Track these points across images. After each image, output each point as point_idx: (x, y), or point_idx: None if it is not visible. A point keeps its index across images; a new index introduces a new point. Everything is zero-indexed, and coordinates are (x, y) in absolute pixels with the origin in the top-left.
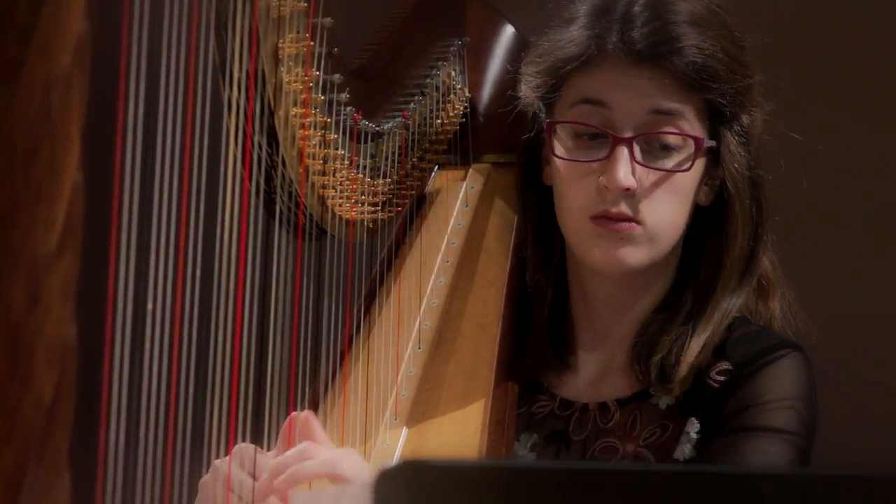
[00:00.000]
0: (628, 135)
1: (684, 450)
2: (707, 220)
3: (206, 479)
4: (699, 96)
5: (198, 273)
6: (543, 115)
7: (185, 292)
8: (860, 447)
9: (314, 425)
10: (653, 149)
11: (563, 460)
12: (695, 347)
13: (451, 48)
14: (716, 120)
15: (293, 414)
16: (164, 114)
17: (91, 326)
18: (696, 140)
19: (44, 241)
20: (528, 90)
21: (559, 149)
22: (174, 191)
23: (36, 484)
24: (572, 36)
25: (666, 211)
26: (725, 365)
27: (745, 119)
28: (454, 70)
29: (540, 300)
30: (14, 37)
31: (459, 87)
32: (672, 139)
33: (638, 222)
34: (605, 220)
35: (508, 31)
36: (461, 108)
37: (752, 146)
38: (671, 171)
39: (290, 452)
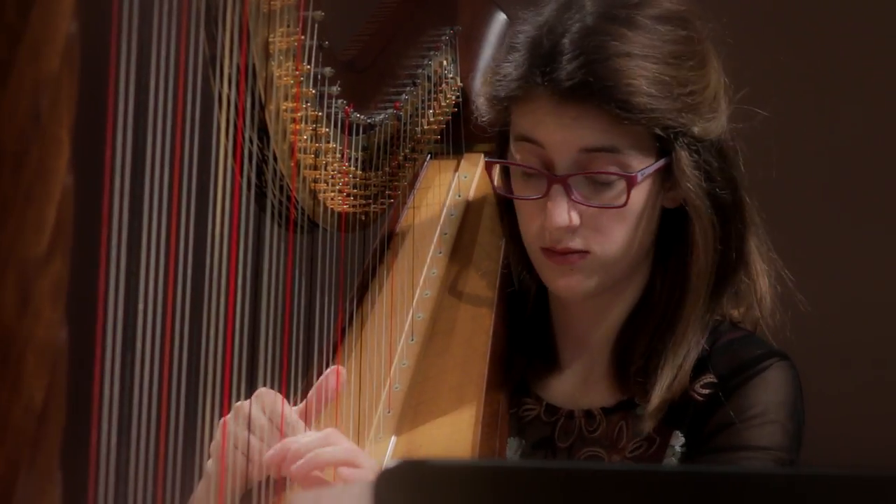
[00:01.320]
0: (563, 174)
1: (670, 464)
2: (678, 219)
3: (228, 417)
4: (634, 128)
5: (189, 268)
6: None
7: (176, 288)
8: (860, 447)
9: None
10: (592, 183)
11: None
12: (668, 376)
13: (443, 37)
14: (662, 140)
15: (333, 368)
16: (155, 109)
17: (82, 329)
18: (628, 178)
19: (34, 244)
20: (482, 109)
21: (500, 184)
22: (165, 186)
23: (28, 488)
24: (507, 71)
25: (615, 238)
26: (710, 377)
27: (695, 130)
28: (446, 59)
29: (525, 302)
30: (3, 39)
31: (451, 76)
32: (605, 176)
33: (587, 252)
34: (552, 253)
35: (500, 18)
36: (453, 97)
37: (715, 149)
38: (608, 207)
39: (312, 437)
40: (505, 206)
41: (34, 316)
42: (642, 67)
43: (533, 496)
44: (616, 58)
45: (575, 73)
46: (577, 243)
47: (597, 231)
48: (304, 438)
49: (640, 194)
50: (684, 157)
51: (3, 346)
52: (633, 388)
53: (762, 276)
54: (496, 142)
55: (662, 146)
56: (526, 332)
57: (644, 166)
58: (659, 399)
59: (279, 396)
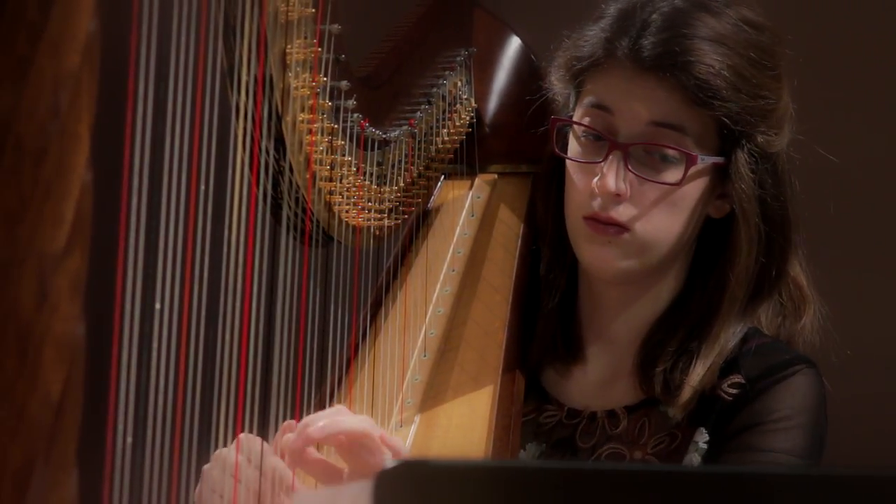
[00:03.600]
0: (625, 142)
1: (692, 459)
2: (721, 234)
3: (208, 466)
4: (703, 112)
5: (205, 277)
6: (572, 107)
7: (192, 296)
8: (879, 457)
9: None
10: (652, 159)
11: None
12: (699, 371)
13: (458, 58)
14: (725, 137)
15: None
16: (173, 117)
17: (99, 325)
18: (689, 157)
19: (52, 239)
20: (554, 80)
21: (565, 146)
22: (182, 194)
23: (43, 481)
24: (590, 36)
25: (658, 221)
26: (738, 378)
27: (759, 139)
28: (460, 80)
29: (552, 289)
30: (24, 36)
31: (466, 97)
32: (668, 152)
33: (627, 229)
34: (595, 221)
35: (515, 42)
36: (467, 118)
37: (773, 165)
38: (661, 184)
39: (322, 412)
40: (552, 178)
41: (52, 310)
42: (725, 56)
43: (535, 496)
44: (702, 40)
45: (659, 45)
46: (620, 214)
47: (643, 209)
48: (312, 416)
49: (692, 185)
50: (742, 158)
51: (21, 339)
52: (658, 385)
53: (810, 304)
54: (513, 161)
55: (724, 146)
56: (549, 322)
57: (705, 155)
58: (691, 390)
59: (259, 440)
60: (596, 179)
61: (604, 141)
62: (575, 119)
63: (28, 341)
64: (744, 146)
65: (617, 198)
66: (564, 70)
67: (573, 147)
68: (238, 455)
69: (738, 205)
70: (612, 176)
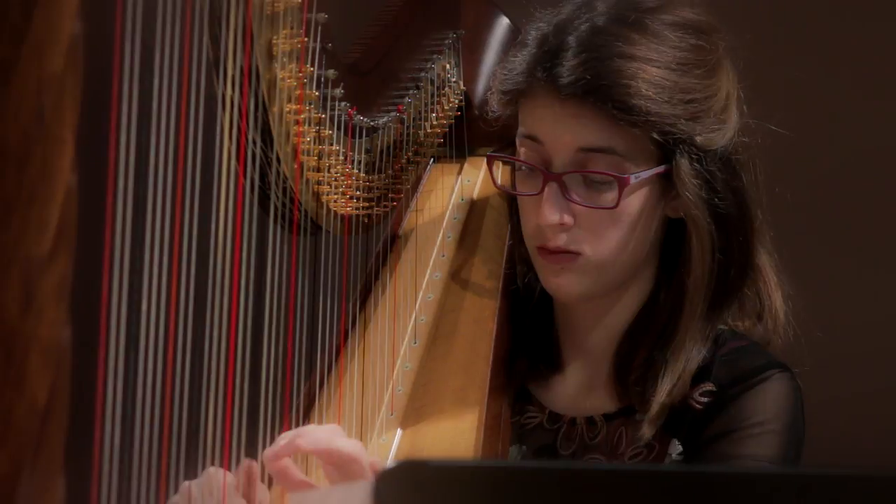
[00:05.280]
0: (558, 171)
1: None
2: (682, 231)
3: (174, 499)
4: (632, 131)
5: (193, 270)
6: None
7: (179, 290)
8: (867, 454)
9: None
10: (588, 182)
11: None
12: (667, 384)
13: (446, 41)
14: (662, 146)
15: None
16: (159, 110)
17: (85, 329)
18: (619, 180)
19: (37, 243)
20: (496, 107)
21: (504, 182)
22: (168, 187)
23: (31, 488)
24: (515, 66)
25: (608, 241)
26: (709, 386)
27: (698, 140)
28: (449, 63)
29: (529, 304)
30: (6, 38)
31: (454, 80)
32: (598, 177)
33: (578, 253)
34: (546, 251)
35: (503, 22)
36: (456, 101)
37: (717, 160)
38: (600, 208)
39: (318, 427)
40: (513, 206)
41: (38, 315)
42: (644, 70)
43: (532, 496)
44: (617, 59)
45: (574, 70)
46: (568, 243)
47: (590, 233)
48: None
49: (635, 199)
50: (684, 164)
51: (6, 345)
52: (633, 396)
53: (776, 290)
54: (502, 143)
55: (664, 153)
56: (529, 335)
57: (641, 171)
58: (658, 406)
59: (222, 473)
60: (537, 213)
61: (539, 173)
62: (516, 148)
63: (14, 346)
64: (683, 152)
65: (561, 226)
66: (498, 102)
67: (517, 179)
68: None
69: (686, 212)
70: (550, 207)
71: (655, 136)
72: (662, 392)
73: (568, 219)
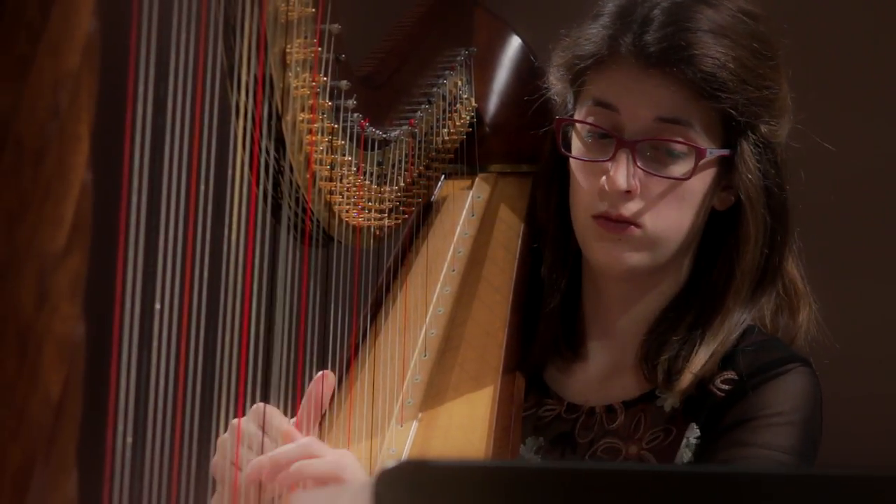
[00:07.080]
0: (632, 139)
1: (684, 455)
2: (724, 226)
3: (224, 437)
4: (709, 105)
5: (205, 277)
6: (571, 107)
7: (192, 296)
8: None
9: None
10: (659, 154)
11: (565, 460)
12: (701, 357)
13: (458, 58)
14: (730, 129)
15: (323, 372)
16: (173, 117)
17: (99, 325)
18: (698, 150)
19: (52, 239)
20: (553, 80)
21: (568, 146)
22: (182, 194)
23: (43, 482)
24: (591, 34)
25: (669, 216)
26: (731, 374)
27: (763, 129)
28: (461, 80)
29: (554, 290)
30: (23, 35)
31: (466, 96)
32: (676, 147)
33: (638, 225)
34: (605, 220)
35: (515, 42)
36: (468, 117)
37: (774, 155)
38: (670, 179)
39: (292, 447)
40: (553, 178)
41: (52, 310)
42: (729, 47)
43: (535, 496)
44: (705, 32)
45: (663, 40)
46: (630, 211)
47: (652, 204)
48: (282, 449)
49: (701, 179)
50: (749, 149)
51: (21, 339)
52: (661, 374)
53: (805, 298)
54: (513, 160)
55: (729, 137)
56: (552, 321)
57: (713, 147)
58: (691, 376)
59: (274, 410)
60: (604, 178)
61: (610, 139)
62: (578, 118)
63: (28, 341)
64: (749, 137)
65: (627, 195)
66: (565, 69)
67: (577, 146)
68: (250, 424)
69: (746, 195)
70: (621, 174)
71: (732, 112)
72: (697, 364)
73: (636, 186)
